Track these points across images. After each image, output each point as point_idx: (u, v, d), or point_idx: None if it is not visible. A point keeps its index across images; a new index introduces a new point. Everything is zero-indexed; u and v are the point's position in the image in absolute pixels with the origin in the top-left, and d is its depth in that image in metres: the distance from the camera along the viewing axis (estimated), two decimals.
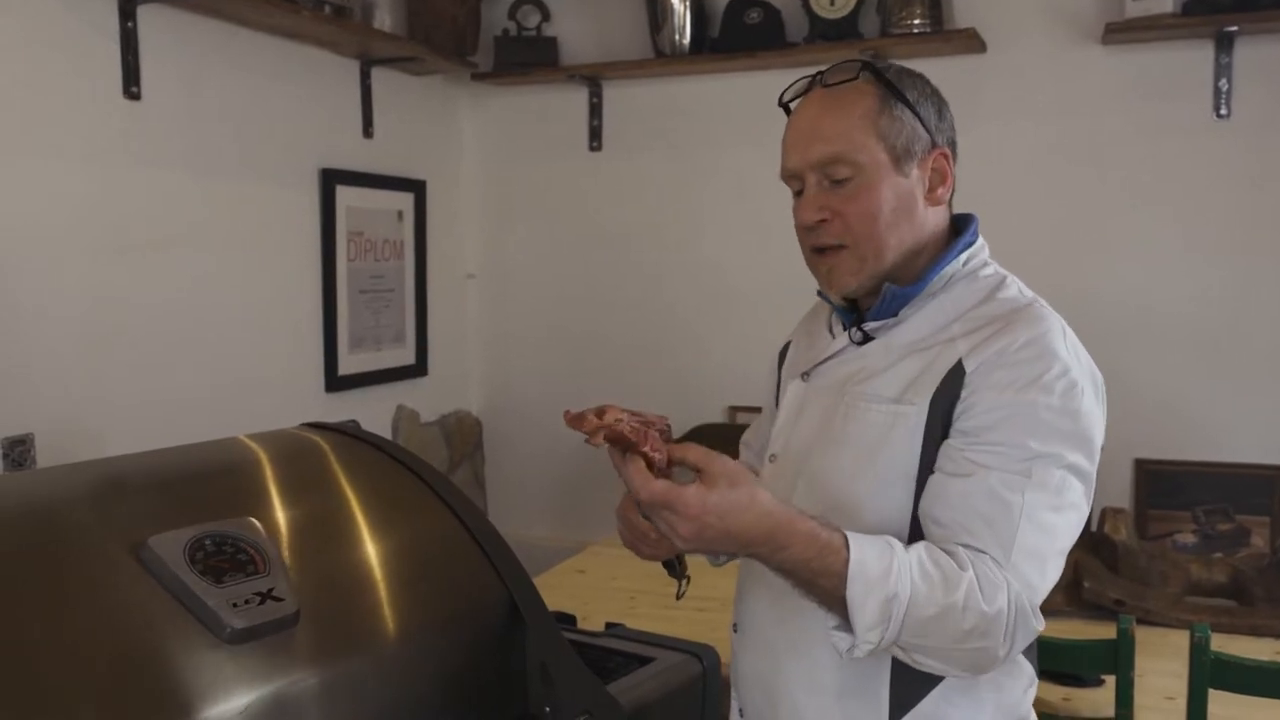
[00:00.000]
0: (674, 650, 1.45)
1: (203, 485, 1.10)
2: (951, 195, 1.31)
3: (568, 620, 1.61)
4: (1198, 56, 2.69)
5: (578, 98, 3.34)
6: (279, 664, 0.95)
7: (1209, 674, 1.47)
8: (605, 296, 3.39)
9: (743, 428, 3.18)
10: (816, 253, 1.28)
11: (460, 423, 3.51)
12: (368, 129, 3.02)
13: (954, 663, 1.12)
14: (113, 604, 0.91)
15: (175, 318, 2.43)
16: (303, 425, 1.40)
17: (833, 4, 2.91)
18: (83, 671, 0.85)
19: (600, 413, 1.09)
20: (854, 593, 1.06)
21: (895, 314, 1.27)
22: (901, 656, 1.13)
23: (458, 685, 1.10)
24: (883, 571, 1.07)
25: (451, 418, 3.47)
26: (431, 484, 1.24)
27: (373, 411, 3.09)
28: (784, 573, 1.10)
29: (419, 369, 3.30)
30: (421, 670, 1.07)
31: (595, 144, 3.35)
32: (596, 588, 2.27)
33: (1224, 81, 2.67)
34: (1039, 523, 1.13)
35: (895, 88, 1.24)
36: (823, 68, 1.30)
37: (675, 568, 1.40)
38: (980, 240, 1.32)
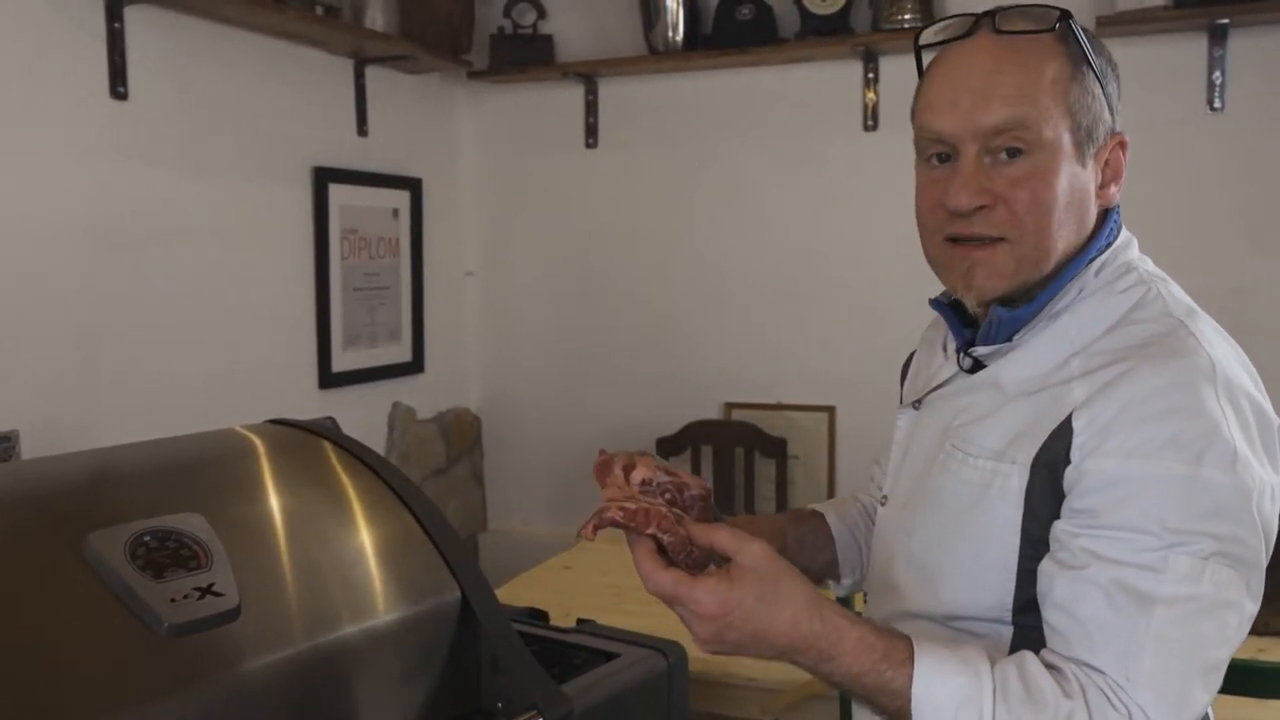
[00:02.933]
0: (640, 646, 1.45)
1: (152, 481, 1.11)
2: None
3: (539, 616, 1.61)
4: (1191, 49, 2.67)
5: (573, 95, 3.35)
6: (218, 659, 0.95)
7: None
8: (602, 293, 3.39)
9: (739, 425, 3.20)
10: (953, 243, 1.03)
11: (458, 419, 3.52)
12: (362, 127, 3.03)
13: None
14: (51, 600, 0.92)
15: (165, 316, 2.45)
16: (268, 422, 1.41)
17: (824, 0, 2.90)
18: (15, 668, 0.86)
19: (630, 466, 0.98)
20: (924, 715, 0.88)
21: (1009, 338, 1.03)
22: None
23: (407, 680, 1.10)
24: (957, 699, 0.87)
25: (449, 414, 3.48)
26: (388, 480, 1.24)
27: (368, 408, 3.11)
28: (834, 685, 0.93)
29: (416, 366, 3.32)
30: (369, 665, 1.07)
31: (591, 141, 3.35)
32: (582, 584, 2.28)
33: (1217, 74, 2.65)
34: (1177, 633, 0.88)
35: (1091, 49, 1.00)
36: (973, 13, 1.01)
37: None
38: (1124, 237, 1.06)
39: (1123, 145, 1.03)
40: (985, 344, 1.04)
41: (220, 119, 2.57)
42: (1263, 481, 0.92)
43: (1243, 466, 0.90)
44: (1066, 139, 0.99)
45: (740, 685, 1.75)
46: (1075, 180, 1.00)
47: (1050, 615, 0.93)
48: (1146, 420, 0.91)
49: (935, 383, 1.11)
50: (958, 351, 1.08)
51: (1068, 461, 0.93)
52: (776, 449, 3.08)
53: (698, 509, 1.00)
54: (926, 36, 1.06)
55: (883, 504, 1.17)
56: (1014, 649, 0.98)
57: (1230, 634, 0.91)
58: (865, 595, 1.19)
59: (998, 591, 0.98)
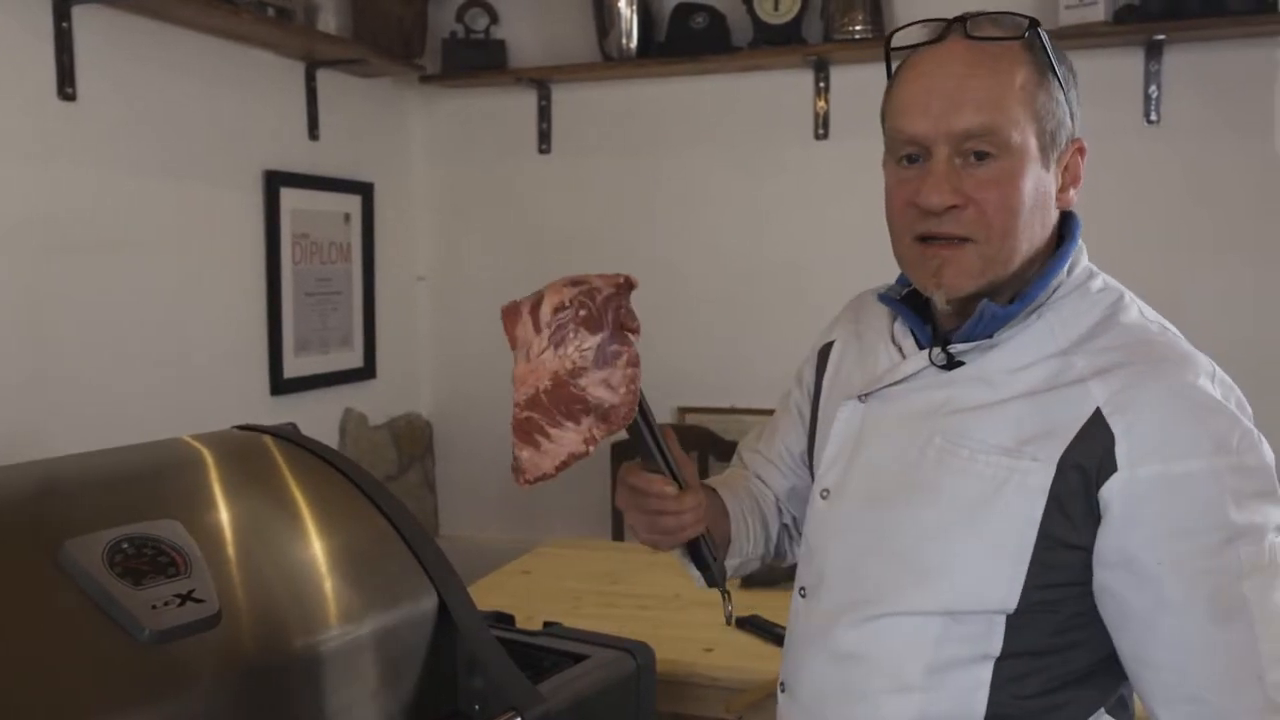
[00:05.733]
0: (608, 648, 1.46)
1: (126, 488, 1.10)
2: None
3: (506, 620, 1.62)
4: (1129, 64, 2.76)
5: (526, 101, 3.35)
6: (199, 665, 0.95)
7: None
8: None
9: (692, 428, 3.23)
10: (923, 242, 1.05)
11: (410, 425, 3.50)
12: (313, 131, 3.01)
13: None
14: (29, 609, 0.91)
15: (114, 322, 2.41)
16: (236, 427, 1.40)
17: (776, 9, 2.95)
18: None
19: (537, 302, 0.94)
20: None
21: (990, 335, 1.05)
22: None
23: (385, 684, 1.11)
24: None
25: (401, 420, 3.46)
26: (362, 486, 1.25)
27: (320, 415, 3.08)
28: None
29: (367, 372, 3.29)
30: (348, 670, 1.08)
31: (544, 147, 3.36)
32: (541, 588, 2.28)
33: (1154, 88, 2.74)
34: (1273, 603, 0.93)
35: (1053, 61, 1.03)
36: (945, 18, 1.04)
37: (710, 570, 1.22)
38: (1080, 242, 1.10)
39: (1081, 151, 1.07)
40: (967, 339, 1.05)
41: (171, 121, 2.54)
42: (1270, 452, 0.99)
43: (1264, 445, 0.98)
44: (1033, 144, 1.01)
45: (705, 685, 1.77)
46: (1040, 184, 1.03)
47: (1153, 653, 0.96)
48: (1183, 422, 0.96)
49: (896, 377, 1.10)
50: (924, 346, 1.09)
51: (1114, 468, 0.96)
52: (729, 452, 3.11)
53: (614, 308, 0.97)
54: (899, 39, 1.08)
55: (824, 497, 1.15)
56: (1009, 635, 1.01)
57: None
58: (804, 591, 1.16)
59: (1007, 586, 1.00)
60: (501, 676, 1.15)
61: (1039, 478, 0.98)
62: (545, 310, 0.93)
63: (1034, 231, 1.04)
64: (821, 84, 3.03)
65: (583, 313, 0.93)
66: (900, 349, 1.13)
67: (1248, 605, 0.93)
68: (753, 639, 1.89)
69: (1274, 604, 0.93)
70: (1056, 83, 1.03)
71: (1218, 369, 1.01)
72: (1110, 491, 0.96)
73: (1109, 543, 0.97)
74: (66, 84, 2.27)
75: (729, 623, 1.23)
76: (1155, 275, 2.80)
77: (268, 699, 1.00)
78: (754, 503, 1.33)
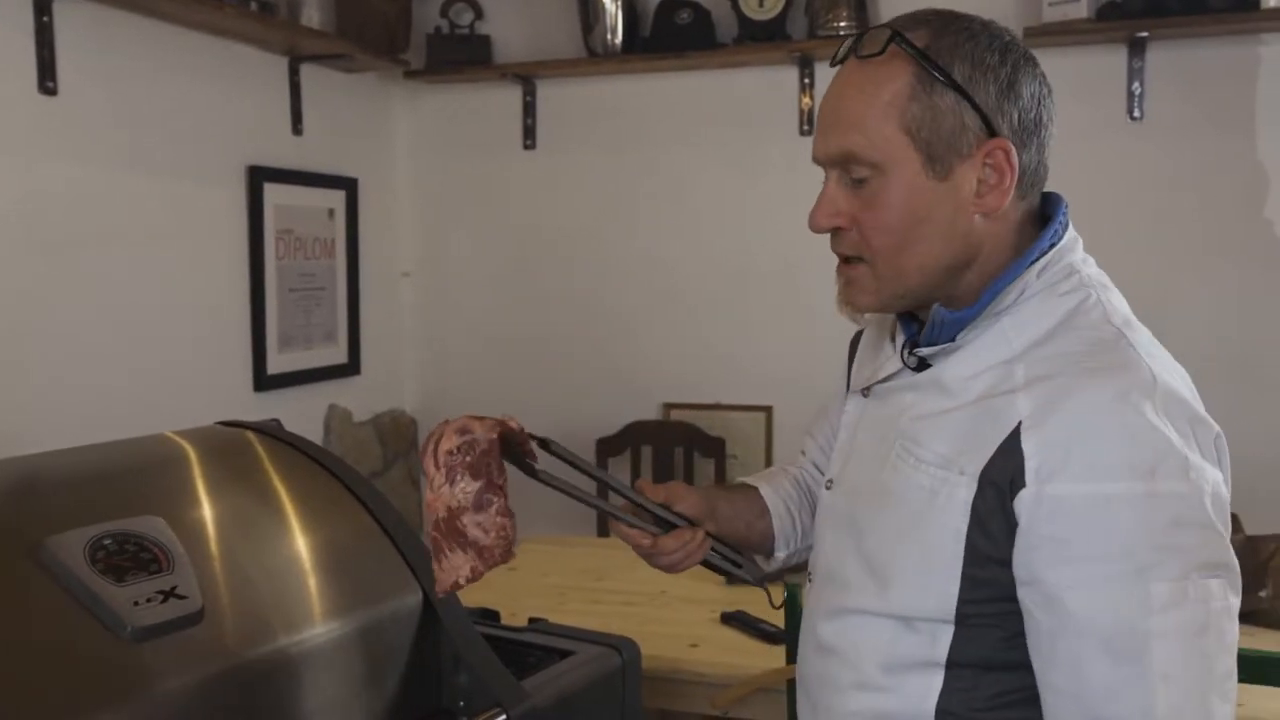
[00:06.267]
0: (594, 644, 1.46)
1: (108, 484, 1.10)
2: (1029, 186, 1.03)
3: (491, 616, 1.62)
4: (1112, 60, 2.77)
5: (511, 96, 3.35)
6: (182, 662, 0.95)
7: None
8: (540, 294, 3.40)
9: (678, 425, 3.23)
10: (840, 260, 1.07)
11: (395, 422, 3.49)
12: (297, 126, 2.99)
13: None
14: (10, 606, 0.90)
15: (96, 318, 2.39)
16: (219, 423, 1.39)
17: (761, 5, 2.95)
18: None
19: (439, 435, 1.04)
20: None
21: (952, 338, 1.03)
22: None
23: (370, 680, 1.11)
24: None
25: (385, 417, 3.45)
26: (347, 482, 1.24)
27: (303, 411, 3.07)
28: None
29: (352, 368, 3.28)
30: (332, 666, 1.07)
31: (529, 142, 3.36)
32: (526, 584, 2.28)
33: (1136, 85, 2.76)
34: (1180, 663, 0.88)
35: (934, 63, 0.97)
36: (858, 33, 1.02)
37: (736, 576, 1.31)
38: (1069, 238, 1.04)
39: (1005, 149, 0.98)
40: (929, 344, 1.05)
41: (153, 116, 2.52)
42: (1215, 480, 0.93)
43: (1195, 472, 0.91)
44: (912, 155, 0.98)
45: (690, 680, 1.78)
46: (928, 196, 0.99)
47: (1052, 677, 0.93)
48: (1099, 440, 0.91)
49: (881, 375, 1.12)
50: (903, 348, 1.09)
51: (1023, 484, 0.93)
52: (715, 449, 3.12)
53: (488, 461, 1.03)
54: (833, 60, 1.07)
55: (828, 487, 1.17)
56: (955, 645, 1.01)
57: (1229, 640, 0.91)
58: (810, 577, 1.20)
59: (943, 596, 0.99)
60: (486, 673, 1.15)
61: (964, 491, 0.97)
62: (440, 451, 1.02)
63: (931, 246, 1.00)
64: (806, 80, 3.04)
65: (467, 459, 1.02)
66: (895, 346, 1.13)
67: (1149, 649, 0.88)
68: (738, 634, 1.89)
69: (1181, 655, 0.88)
70: (945, 88, 0.97)
71: (1172, 388, 0.94)
72: (1020, 507, 0.93)
73: (1019, 559, 0.95)
74: (47, 78, 2.25)
75: (773, 606, 1.31)
76: (1138, 271, 2.80)
77: (251, 695, 0.99)
78: (802, 494, 1.35)
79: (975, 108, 0.98)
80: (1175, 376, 0.98)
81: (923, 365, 1.06)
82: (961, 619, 0.99)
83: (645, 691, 1.55)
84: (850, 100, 1.00)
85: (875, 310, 1.07)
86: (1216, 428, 0.96)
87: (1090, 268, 1.05)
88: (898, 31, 0.99)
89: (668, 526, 1.20)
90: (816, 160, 1.05)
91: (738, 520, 1.28)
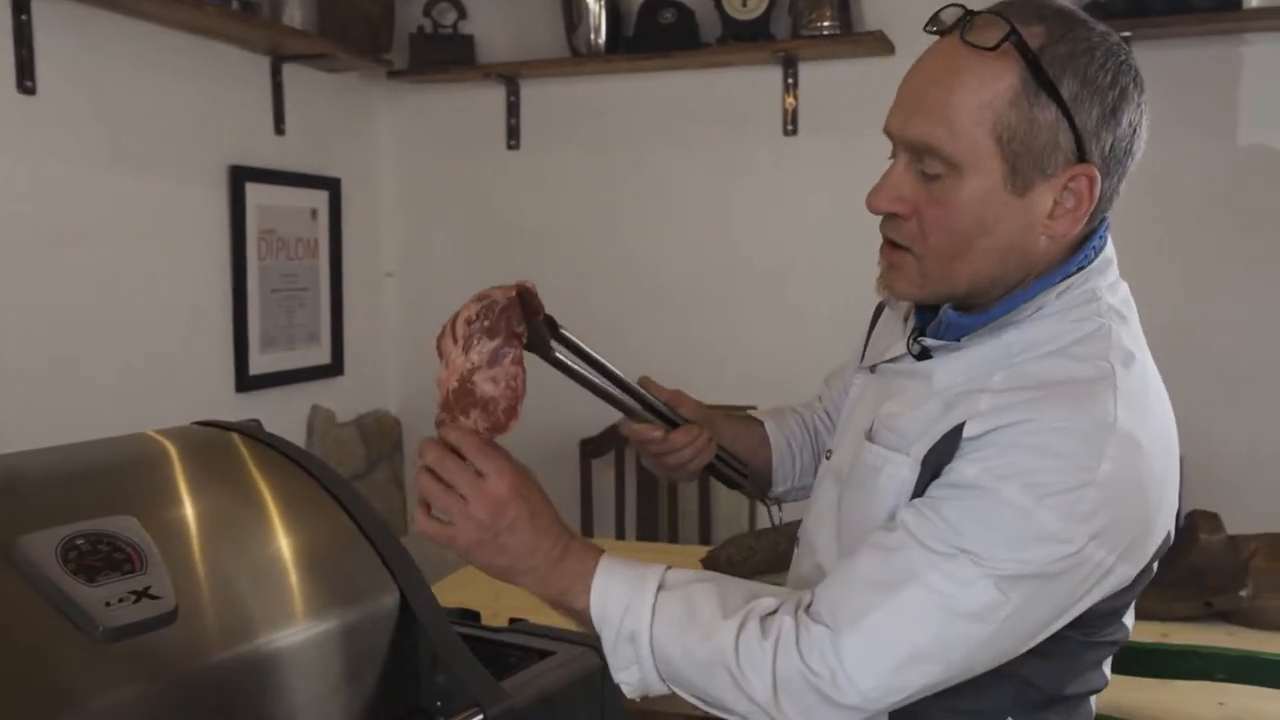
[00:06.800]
0: (574, 644, 1.46)
1: (81, 484, 1.08)
2: (1096, 215, 0.99)
3: (471, 616, 1.61)
4: None
5: (495, 96, 3.34)
6: (155, 662, 0.94)
7: None
8: None
9: None
10: (884, 241, 1.03)
11: (378, 422, 3.48)
12: (279, 126, 2.98)
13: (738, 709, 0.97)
14: None
15: (77, 318, 2.37)
16: (196, 423, 1.38)
17: (745, 5, 2.95)
18: None
19: (454, 320, 1.07)
20: (599, 627, 1.02)
21: (957, 339, 1.02)
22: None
23: (346, 681, 1.10)
24: (622, 607, 1.00)
25: (369, 417, 3.44)
26: (324, 481, 1.23)
27: (286, 412, 3.06)
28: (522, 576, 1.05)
29: (335, 368, 3.27)
30: (307, 667, 1.06)
31: (513, 142, 3.35)
32: (508, 584, 2.27)
33: None
34: (919, 613, 0.91)
35: (1045, 73, 0.91)
36: (969, 10, 0.95)
37: (743, 486, 1.34)
38: (1101, 261, 1.02)
39: (1089, 180, 0.95)
40: (934, 338, 1.04)
41: (133, 115, 2.50)
42: (1095, 562, 0.92)
43: (1083, 531, 0.90)
44: (996, 165, 0.94)
45: None
46: (997, 210, 0.95)
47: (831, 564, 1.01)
48: (1020, 447, 0.91)
49: (888, 355, 1.11)
50: (911, 333, 1.08)
51: (949, 463, 0.95)
52: None
53: (507, 317, 1.08)
54: (930, 23, 0.99)
55: (827, 457, 1.18)
56: None
57: (968, 647, 0.92)
58: (798, 541, 1.22)
59: None
60: (464, 673, 1.14)
61: (907, 471, 0.99)
62: (460, 324, 1.06)
63: (989, 261, 0.97)
64: (790, 80, 3.04)
65: (486, 323, 1.06)
66: (907, 328, 1.12)
67: (910, 583, 0.91)
68: None
69: (927, 606, 0.91)
70: (1049, 101, 0.92)
71: (1128, 434, 0.92)
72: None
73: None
74: (26, 77, 2.23)
75: (774, 524, 1.37)
76: (1120, 270, 2.82)
77: (225, 696, 0.98)
78: (807, 435, 1.39)
79: (1073, 128, 0.93)
80: (1147, 433, 0.95)
81: (925, 354, 1.06)
82: None
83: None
84: (945, 88, 0.94)
85: (914, 300, 1.06)
86: (1166, 532, 0.98)
87: (1114, 296, 1.03)
88: (1015, 28, 0.92)
89: (672, 426, 1.24)
90: (889, 133, 0.99)
91: (738, 443, 1.33)
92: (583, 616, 1.05)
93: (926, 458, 0.97)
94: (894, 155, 1.00)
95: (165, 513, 1.08)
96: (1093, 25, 0.96)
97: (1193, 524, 2.06)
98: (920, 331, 1.06)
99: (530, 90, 3.32)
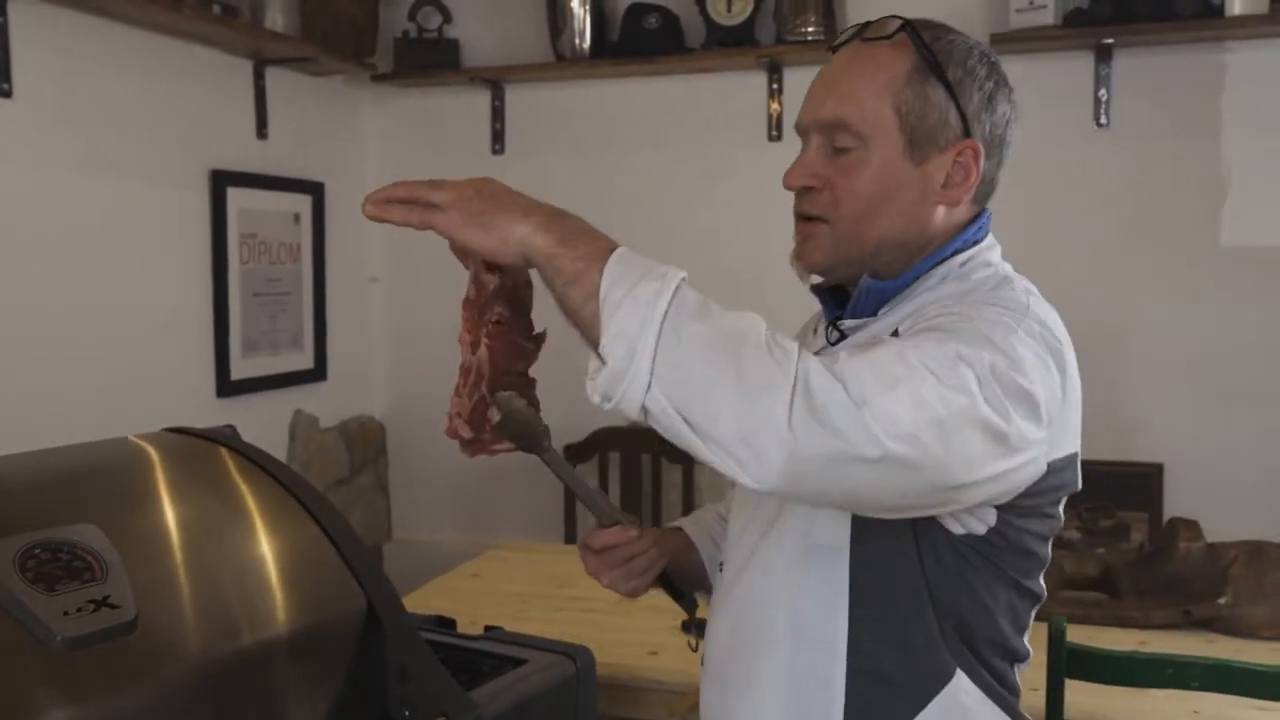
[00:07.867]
0: (548, 652, 1.45)
1: (42, 492, 1.07)
2: (982, 196, 1.14)
3: (447, 624, 1.60)
4: (1078, 67, 2.79)
5: (479, 100, 3.33)
6: (114, 673, 0.92)
7: (1065, 664, 1.51)
8: None
9: (646, 432, 3.20)
10: (799, 219, 1.14)
11: (362, 428, 3.47)
12: (261, 130, 2.97)
13: (720, 417, 0.90)
14: None
15: (55, 323, 2.36)
16: (167, 429, 1.37)
17: (729, 10, 2.95)
18: None
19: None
20: (611, 274, 0.94)
21: (874, 313, 1.12)
22: (658, 407, 0.95)
23: (311, 691, 1.09)
24: (641, 270, 0.95)
25: (353, 423, 3.42)
26: (292, 488, 1.22)
27: (268, 417, 3.04)
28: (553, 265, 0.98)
29: (318, 373, 3.25)
30: (272, 677, 1.05)
31: (498, 147, 3.34)
32: (489, 591, 2.26)
33: (1103, 91, 2.77)
34: (912, 360, 0.92)
35: (934, 60, 1.08)
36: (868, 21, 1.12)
37: (684, 598, 1.37)
38: (988, 241, 1.15)
39: (975, 151, 1.09)
40: (854, 317, 1.13)
41: (112, 119, 2.49)
42: (1049, 383, 0.99)
43: (1021, 349, 0.97)
44: (896, 136, 1.07)
45: (649, 688, 1.76)
46: (900, 176, 1.08)
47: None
48: (950, 315, 1.01)
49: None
50: (827, 326, 1.17)
51: None
52: (683, 455, 3.07)
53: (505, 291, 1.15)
54: (834, 43, 1.17)
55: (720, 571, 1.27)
56: (854, 572, 1.08)
57: (951, 404, 0.90)
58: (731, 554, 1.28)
59: (835, 532, 1.08)
60: (431, 682, 1.13)
61: None
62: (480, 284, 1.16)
63: (893, 221, 1.09)
64: (775, 85, 3.04)
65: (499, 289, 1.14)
66: (817, 334, 1.21)
67: (906, 349, 0.94)
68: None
69: (918, 357, 0.92)
70: (938, 83, 1.08)
71: (1039, 314, 1.03)
72: None
73: None
74: (2, 80, 2.22)
75: (694, 650, 1.33)
76: (1104, 277, 2.83)
77: (185, 707, 0.97)
78: (723, 525, 1.38)
79: (959, 108, 1.08)
80: (1059, 329, 1.06)
81: (841, 338, 1.15)
82: (857, 547, 1.07)
83: (604, 699, 1.53)
84: (851, 75, 1.10)
85: (824, 270, 1.14)
86: (1075, 380, 1.06)
87: (1007, 269, 1.14)
88: (907, 21, 1.10)
89: None
90: (800, 126, 1.13)
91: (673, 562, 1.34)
92: (583, 274, 0.96)
93: None
94: (804, 147, 1.13)
95: (129, 521, 1.07)
96: (967, 36, 1.13)
97: (1172, 531, 2.06)
98: (836, 320, 1.15)
99: (515, 95, 3.31)
